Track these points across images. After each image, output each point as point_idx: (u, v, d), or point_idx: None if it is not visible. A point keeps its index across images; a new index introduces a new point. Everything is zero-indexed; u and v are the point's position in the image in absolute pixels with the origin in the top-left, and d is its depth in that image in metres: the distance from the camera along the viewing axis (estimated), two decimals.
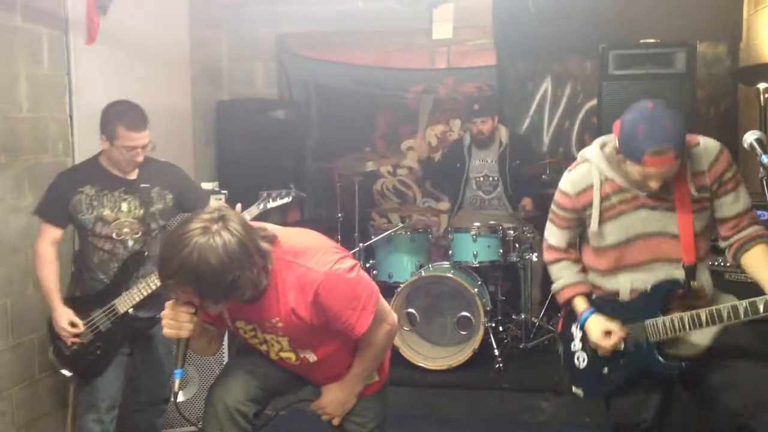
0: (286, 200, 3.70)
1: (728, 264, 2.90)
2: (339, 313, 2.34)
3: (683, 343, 2.67)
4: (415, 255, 5.24)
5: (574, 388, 2.96)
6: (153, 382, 3.65)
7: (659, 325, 2.64)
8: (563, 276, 2.90)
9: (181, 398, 4.28)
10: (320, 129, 6.52)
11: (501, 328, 5.14)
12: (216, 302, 2.19)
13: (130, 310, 3.38)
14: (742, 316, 2.43)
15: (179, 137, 5.43)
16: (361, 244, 5.31)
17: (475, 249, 5.04)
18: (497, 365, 4.88)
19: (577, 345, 2.93)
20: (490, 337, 4.97)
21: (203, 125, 6.02)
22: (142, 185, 3.46)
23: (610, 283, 2.80)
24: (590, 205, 2.74)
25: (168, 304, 2.26)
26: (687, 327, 2.56)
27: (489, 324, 4.96)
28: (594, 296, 2.86)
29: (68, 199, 3.34)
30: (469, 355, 4.86)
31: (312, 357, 2.53)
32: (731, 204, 2.67)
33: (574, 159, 2.92)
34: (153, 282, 3.36)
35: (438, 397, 4.66)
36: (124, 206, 3.40)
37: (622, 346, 2.73)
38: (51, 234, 3.37)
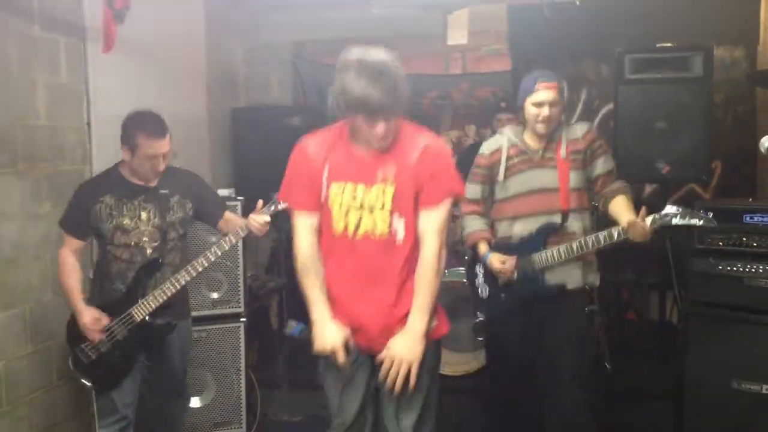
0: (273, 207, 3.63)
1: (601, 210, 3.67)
2: (438, 168, 2.63)
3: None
4: None
5: (478, 314, 3.88)
6: (165, 388, 3.69)
7: (542, 255, 3.46)
8: (473, 225, 3.73)
9: (198, 404, 4.30)
10: None
11: None
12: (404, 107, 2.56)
13: (147, 318, 3.41)
14: (602, 242, 3.35)
15: (195, 144, 5.46)
16: None
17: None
18: None
19: (480, 280, 3.74)
20: None
21: (219, 132, 6.04)
22: (162, 192, 3.50)
23: (510, 230, 3.59)
24: (499, 162, 3.59)
25: None
26: (563, 255, 3.42)
27: None
28: (493, 243, 3.66)
29: (89, 209, 3.40)
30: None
31: (401, 231, 2.62)
32: (601, 165, 3.56)
33: None
34: (168, 289, 3.42)
35: (455, 402, 4.64)
36: (144, 215, 3.45)
37: (515, 276, 3.52)
38: (73, 244, 3.46)
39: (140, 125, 3.35)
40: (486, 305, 3.77)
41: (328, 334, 2.61)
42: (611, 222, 3.48)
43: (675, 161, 4.55)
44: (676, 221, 3.26)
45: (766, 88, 5.06)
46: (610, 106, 5.32)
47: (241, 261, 4.39)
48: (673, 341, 4.24)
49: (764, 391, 3.59)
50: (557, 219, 3.50)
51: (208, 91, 5.73)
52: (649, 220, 3.26)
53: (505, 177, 3.58)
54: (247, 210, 4.19)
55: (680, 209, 3.26)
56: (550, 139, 3.56)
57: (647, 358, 4.96)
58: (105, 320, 3.38)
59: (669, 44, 4.76)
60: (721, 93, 5.50)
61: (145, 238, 3.45)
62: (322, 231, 2.74)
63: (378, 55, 2.51)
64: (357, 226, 2.64)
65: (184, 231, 3.63)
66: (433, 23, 6.09)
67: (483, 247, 3.66)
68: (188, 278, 3.48)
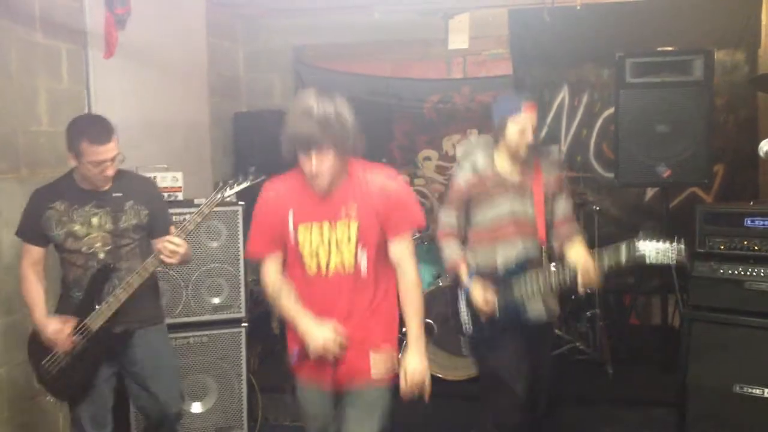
0: (245, 185, 3.42)
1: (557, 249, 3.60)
2: (400, 203, 2.82)
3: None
4: (432, 265, 5.22)
5: (464, 332, 3.63)
6: (152, 400, 3.51)
7: (521, 282, 3.39)
8: (452, 250, 3.57)
9: (199, 409, 4.30)
10: None
11: None
12: (345, 147, 2.68)
13: (104, 326, 3.27)
14: (567, 278, 3.30)
15: (197, 149, 5.46)
16: None
17: None
18: None
19: (462, 305, 3.57)
20: None
21: (221, 137, 6.05)
22: (115, 195, 3.35)
23: (492, 259, 3.49)
24: (475, 189, 3.49)
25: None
26: (542, 289, 3.37)
27: None
28: (473, 270, 3.51)
29: (40, 215, 3.28)
30: None
31: (364, 264, 2.80)
32: (564, 205, 3.55)
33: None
34: (122, 294, 3.26)
35: (456, 407, 4.64)
36: (95, 221, 3.31)
37: (497, 313, 3.42)
38: (32, 254, 3.32)
39: (82, 131, 3.18)
40: (470, 330, 3.66)
41: (318, 333, 2.78)
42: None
43: (676, 165, 4.55)
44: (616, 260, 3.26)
45: (767, 92, 5.06)
46: (611, 110, 5.33)
47: (242, 266, 4.38)
48: (676, 346, 4.23)
49: (766, 395, 3.58)
50: (534, 248, 3.50)
51: (209, 96, 5.74)
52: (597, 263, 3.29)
53: (482, 204, 3.52)
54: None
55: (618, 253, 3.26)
56: (524, 164, 3.52)
57: (649, 362, 4.96)
58: (68, 327, 3.23)
59: (670, 48, 4.77)
60: (722, 97, 5.51)
61: (97, 244, 3.30)
62: (295, 271, 2.88)
63: (318, 100, 2.73)
64: (328, 263, 2.80)
65: (141, 237, 3.43)
66: (435, 28, 6.10)
67: (464, 274, 3.55)
68: (140, 281, 3.28)
